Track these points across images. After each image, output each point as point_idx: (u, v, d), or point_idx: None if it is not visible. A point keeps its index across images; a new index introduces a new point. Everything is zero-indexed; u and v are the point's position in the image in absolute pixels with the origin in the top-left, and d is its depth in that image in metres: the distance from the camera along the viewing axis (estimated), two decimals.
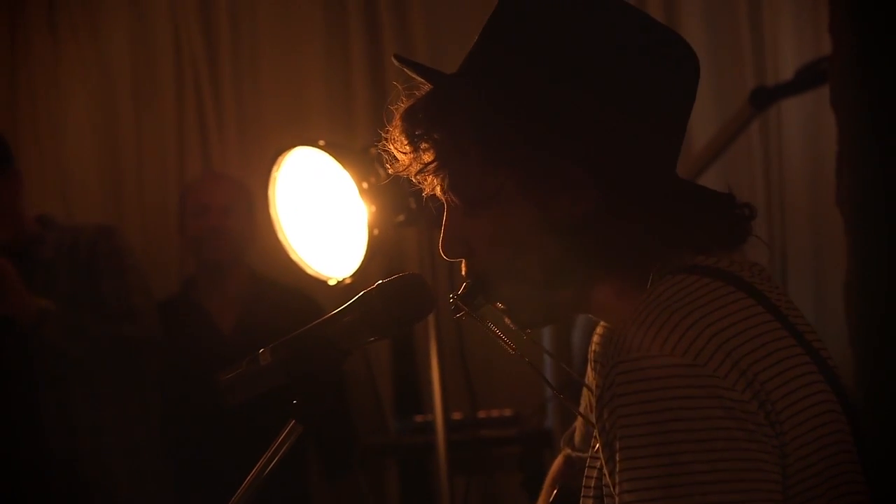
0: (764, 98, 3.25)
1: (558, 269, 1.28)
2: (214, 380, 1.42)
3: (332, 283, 2.43)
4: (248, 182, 3.58)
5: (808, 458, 1.15)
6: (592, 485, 1.28)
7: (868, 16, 2.03)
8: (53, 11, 4.00)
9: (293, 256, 2.48)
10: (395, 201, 2.36)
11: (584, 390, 1.56)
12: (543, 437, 3.36)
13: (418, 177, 1.32)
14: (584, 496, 1.30)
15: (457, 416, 3.18)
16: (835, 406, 1.20)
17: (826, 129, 2.81)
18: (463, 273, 1.34)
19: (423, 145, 1.29)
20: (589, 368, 1.55)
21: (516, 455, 3.34)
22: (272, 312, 3.42)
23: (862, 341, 2.06)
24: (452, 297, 1.34)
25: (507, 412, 3.40)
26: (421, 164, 1.30)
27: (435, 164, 1.29)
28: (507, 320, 1.35)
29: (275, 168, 2.45)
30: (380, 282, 1.38)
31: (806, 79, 3.16)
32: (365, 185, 2.32)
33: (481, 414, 3.28)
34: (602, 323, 1.49)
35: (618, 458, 1.12)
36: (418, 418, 3.53)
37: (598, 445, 1.18)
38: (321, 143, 2.41)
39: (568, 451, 1.66)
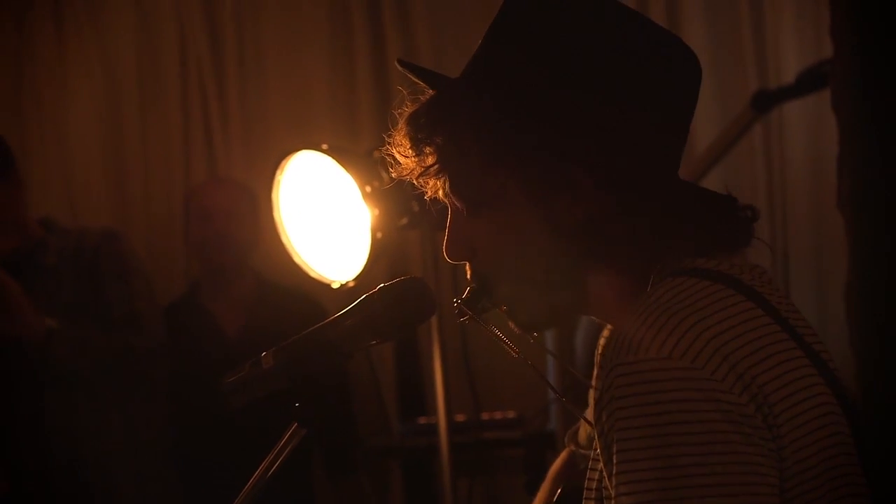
0: (765, 101, 3.26)
1: (560, 270, 1.29)
2: (218, 383, 1.42)
3: (335, 286, 2.43)
4: (251, 185, 3.57)
5: (806, 460, 1.16)
6: (594, 486, 1.29)
7: (869, 18, 2.04)
8: (58, 14, 4.01)
9: (297, 260, 2.48)
10: (399, 205, 2.36)
11: (591, 392, 1.56)
12: (547, 439, 3.35)
13: (421, 180, 1.33)
14: (585, 497, 1.31)
15: (460, 418, 3.17)
16: (835, 408, 1.21)
17: (827, 132, 2.81)
18: (468, 277, 1.35)
19: (426, 149, 1.30)
20: (595, 371, 1.55)
21: (519, 457, 3.33)
22: (277, 315, 3.41)
23: (863, 342, 2.06)
24: (456, 302, 1.35)
25: (511, 414, 3.40)
26: (423, 167, 1.31)
27: (437, 166, 1.30)
28: (510, 323, 1.35)
29: (278, 172, 2.45)
30: (381, 285, 1.38)
31: (807, 82, 3.16)
32: (368, 188, 2.32)
33: (484, 416, 3.28)
34: (608, 325, 1.50)
35: (615, 461, 1.12)
36: (422, 420, 3.53)
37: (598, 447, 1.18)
38: (325, 146, 2.41)
39: (572, 447, 1.66)
